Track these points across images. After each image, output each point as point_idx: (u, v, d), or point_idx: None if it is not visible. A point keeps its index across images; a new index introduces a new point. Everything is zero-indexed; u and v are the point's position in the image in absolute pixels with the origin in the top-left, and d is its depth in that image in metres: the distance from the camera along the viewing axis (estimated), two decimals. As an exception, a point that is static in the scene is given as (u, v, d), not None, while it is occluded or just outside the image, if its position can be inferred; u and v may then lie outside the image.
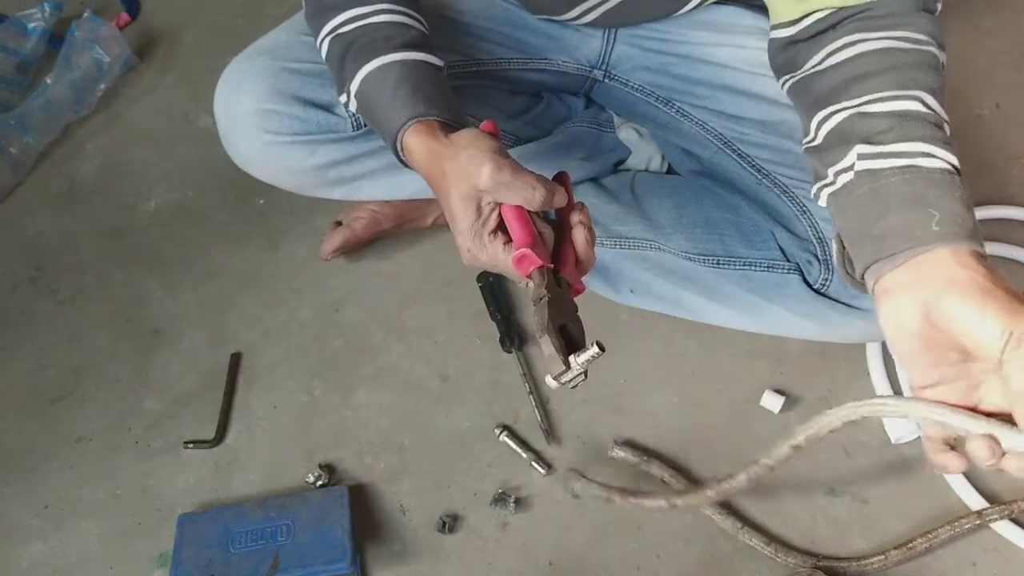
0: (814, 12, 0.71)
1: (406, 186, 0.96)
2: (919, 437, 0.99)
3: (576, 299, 0.74)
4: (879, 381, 1.02)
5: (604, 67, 1.00)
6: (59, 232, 1.22)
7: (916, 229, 0.57)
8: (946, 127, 0.64)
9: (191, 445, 1.03)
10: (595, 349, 0.66)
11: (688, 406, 1.03)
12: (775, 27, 0.75)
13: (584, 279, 1.05)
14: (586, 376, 0.67)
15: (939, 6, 0.71)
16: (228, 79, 0.89)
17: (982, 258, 0.56)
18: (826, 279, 0.85)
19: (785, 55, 0.75)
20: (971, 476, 0.96)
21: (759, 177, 0.93)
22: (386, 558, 0.95)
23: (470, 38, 0.95)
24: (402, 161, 0.76)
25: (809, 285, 0.88)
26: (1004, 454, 0.53)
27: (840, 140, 0.65)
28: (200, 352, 1.10)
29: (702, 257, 0.94)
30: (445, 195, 0.71)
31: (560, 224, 0.74)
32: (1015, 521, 0.93)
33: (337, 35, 0.77)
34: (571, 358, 0.66)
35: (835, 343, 0.99)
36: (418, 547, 0.93)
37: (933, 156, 0.61)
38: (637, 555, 0.93)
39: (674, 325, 1.03)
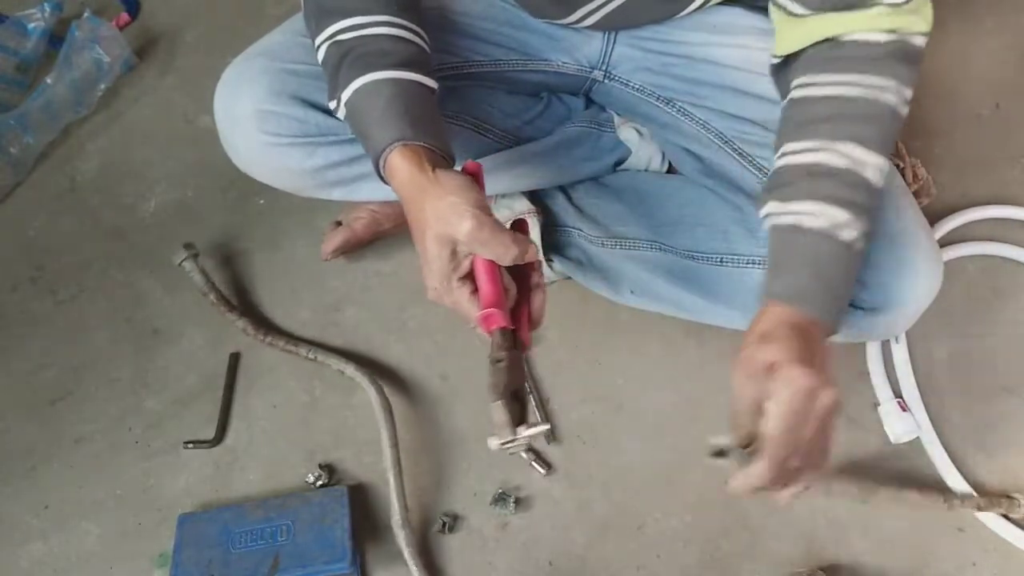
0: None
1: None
2: (918, 437, 0.99)
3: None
4: (879, 380, 1.02)
5: (604, 68, 1.00)
6: (59, 232, 1.22)
7: (768, 283, 0.73)
8: (855, 176, 0.72)
9: (191, 445, 1.03)
10: (544, 427, 0.72)
11: (688, 406, 1.03)
12: (774, 56, 0.81)
13: (584, 279, 1.06)
14: (529, 448, 0.71)
15: (921, 48, 0.75)
16: (228, 80, 0.89)
17: (798, 317, 0.70)
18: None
19: (776, 80, 0.82)
20: (963, 470, 0.97)
21: (760, 176, 0.93)
22: (386, 558, 0.94)
23: (470, 39, 0.95)
24: (381, 178, 0.77)
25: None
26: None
27: (768, 188, 0.76)
28: (200, 352, 1.10)
29: (704, 256, 0.94)
30: (420, 231, 0.72)
31: (517, 274, 0.76)
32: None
33: (335, 41, 0.77)
34: (519, 429, 0.71)
35: (835, 342, 0.98)
36: (418, 547, 0.93)
37: (816, 216, 0.71)
38: (637, 555, 0.93)
39: (674, 325, 1.03)
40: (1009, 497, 0.94)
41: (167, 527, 0.95)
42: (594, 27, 0.93)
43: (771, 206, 0.75)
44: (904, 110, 0.74)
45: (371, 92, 0.75)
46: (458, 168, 0.76)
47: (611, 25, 0.93)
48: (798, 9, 0.75)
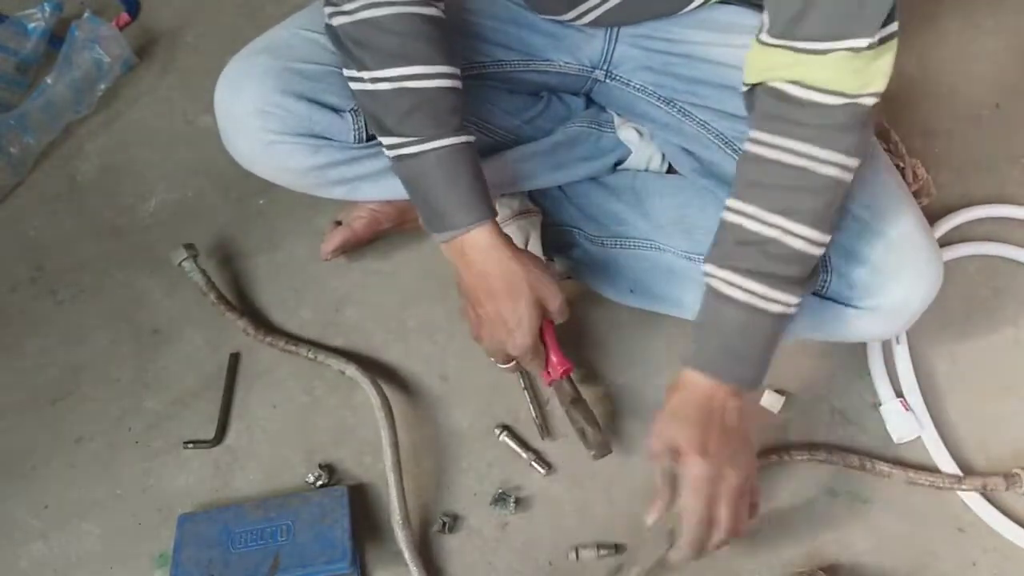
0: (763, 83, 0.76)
1: (405, 187, 0.96)
2: (920, 437, 0.99)
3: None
4: (880, 380, 1.02)
5: (606, 67, 1.00)
6: (59, 232, 1.22)
7: (689, 348, 0.80)
8: (781, 249, 0.75)
9: (191, 445, 1.03)
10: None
11: (688, 406, 1.03)
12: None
13: (584, 279, 1.07)
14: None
15: (871, 109, 0.74)
16: (229, 77, 0.89)
17: (708, 388, 0.77)
18: (825, 281, 0.85)
19: (745, 103, 0.82)
20: (964, 470, 0.97)
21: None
22: (386, 558, 0.94)
23: (472, 39, 0.95)
24: (432, 233, 0.86)
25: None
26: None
27: (712, 243, 0.80)
28: (200, 352, 1.10)
29: (703, 257, 0.95)
30: (506, 295, 0.85)
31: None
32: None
33: (404, 88, 0.80)
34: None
35: (835, 342, 0.99)
36: (418, 547, 0.92)
37: (736, 287, 0.76)
38: (637, 555, 0.93)
39: (674, 325, 1.03)
40: (1009, 475, 0.95)
41: (167, 527, 0.95)
42: (595, 23, 0.93)
43: (707, 267, 0.79)
44: (848, 177, 0.75)
45: (444, 161, 0.81)
46: None
47: (612, 21, 0.93)
48: (765, 36, 0.75)
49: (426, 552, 0.94)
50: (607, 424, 1.01)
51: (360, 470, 1.00)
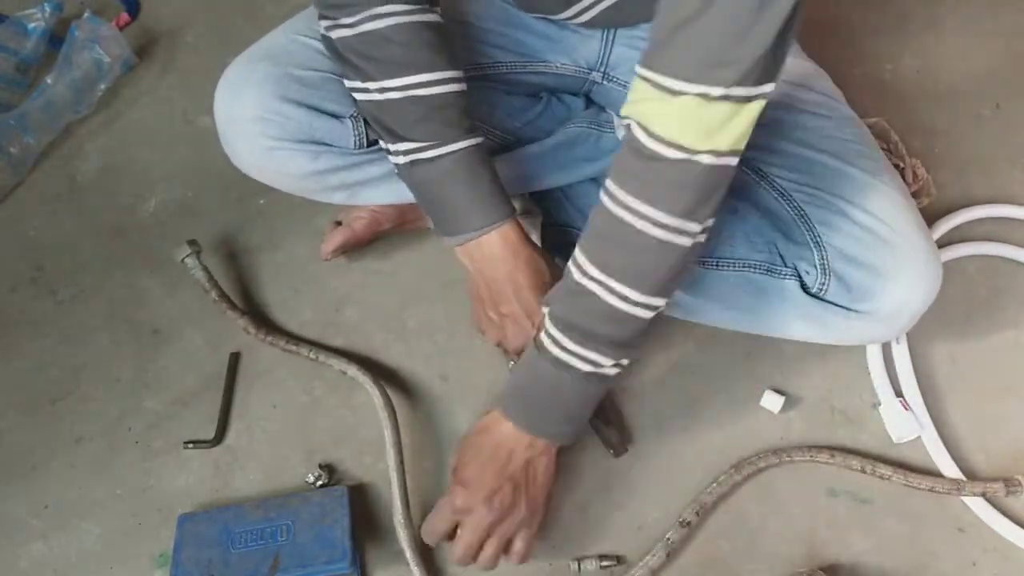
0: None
1: (407, 191, 0.96)
2: (919, 437, 0.99)
3: None
4: (880, 380, 1.02)
5: (603, 69, 1.00)
6: (59, 232, 1.22)
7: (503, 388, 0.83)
8: (613, 307, 0.73)
9: (191, 445, 1.03)
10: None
11: (688, 406, 1.03)
12: None
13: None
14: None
15: (711, 167, 0.67)
16: (229, 82, 0.89)
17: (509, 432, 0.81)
18: (823, 284, 0.85)
19: None
20: (964, 470, 0.97)
21: (757, 179, 0.93)
22: (386, 558, 0.94)
23: (469, 41, 0.95)
24: (446, 236, 0.87)
25: (807, 289, 0.88)
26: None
27: (554, 287, 0.79)
28: (200, 352, 1.10)
29: (702, 259, 0.95)
30: (535, 289, 0.86)
31: None
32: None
33: (414, 96, 0.80)
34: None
35: (836, 344, 0.99)
36: (419, 547, 0.92)
37: (552, 339, 0.76)
38: (637, 555, 0.93)
39: (674, 325, 1.03)
40: (1009, 480, 0.95)
41: (167, 527, 0.95)
42: (590, 24, 0.93)
43: (543, 309, 0.79)
44: (680, 240, 0.70)
45: (463, 163, 0.82)
46: None
47: (607, 22, 0.93)
48: (637, 67, 0.69)
49: (426, 552, 0.94)
50: (619, 424, 1.01)
51: (360, 470, 1.00)
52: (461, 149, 0.81)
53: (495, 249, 0.84)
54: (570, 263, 0.76)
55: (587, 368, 0.76)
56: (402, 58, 0.80)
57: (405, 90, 0.80)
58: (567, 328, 0.75)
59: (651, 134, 0.67)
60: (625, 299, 0.72)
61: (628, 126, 0.70)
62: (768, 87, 0.64)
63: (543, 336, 0.77)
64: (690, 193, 0.68)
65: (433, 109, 0.81)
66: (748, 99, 0.64)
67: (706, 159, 0.66)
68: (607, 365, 0.76)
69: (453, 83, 0.82)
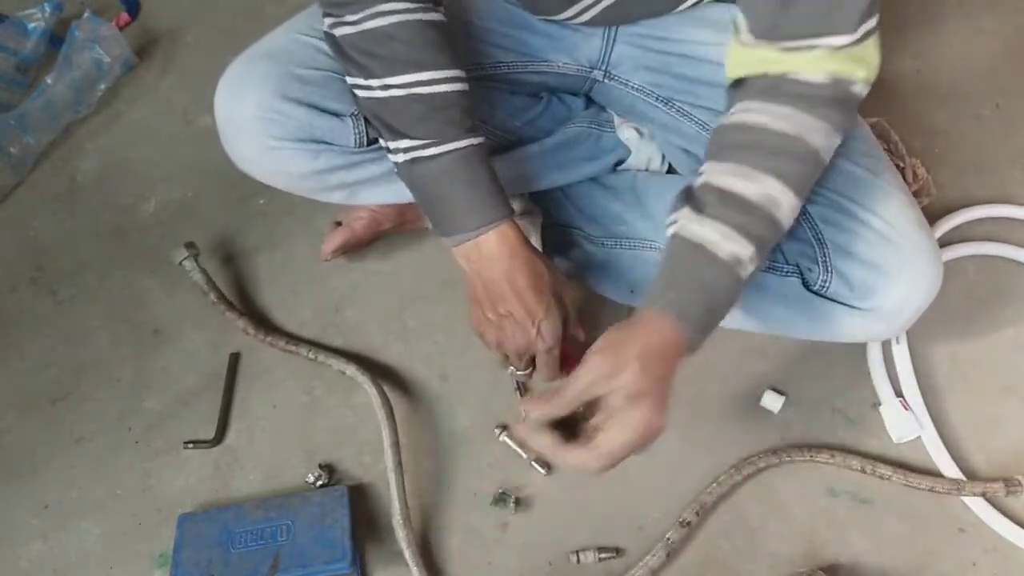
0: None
1: (406, 191, 0.96)
2: (919, 437, 0.99)
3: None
4: (880, 380, 1.02)
5: (604, 67, 1.00)
6: (59, 232, 1.22)
7: (657, 292, 0.74)
8: (768, 211, 0.73)
9: (191, 445, 1.03)
10: None
11: (688, 406, 1.03)
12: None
13: (585, 280, 1.07)
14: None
15: (858, 95, 0.74)
16: (230, 82, 0.89)
17: (674, 334, 0.74)
18: (825, 281, 0.85)
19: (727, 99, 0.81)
20: (964, 470, 0.97)
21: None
22: (386, 558, 0.94)
23: (471, 41, 0.95)
24: (443, 236, 0.86)
25: (809, 286, 0.88)
26: None
27: (683, 197, 0.77)
28: (200, 352, 1.10)
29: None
30: (534, 289, 0.85)
31: None
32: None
33: (416, 94, 0.80)
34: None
35: (836, 342, 0.99)
36: (418, 547, 0.93)
37: (722, 243, 0.72)
38: (637, 555, 0.93)
39: (674, 325, 1.03)
40: (1009, 480, 0.95)
41: (167, 527, 0.95)
42: (592, 23, 0.93)
43: (684, 213, 0.75)
44: (827, 156, 0.75)
45: (463, 162, 0.81)
46: None
47: (609, 20, 0.93)
48: (746, 38, 0.75)
49: (426, 552, 0.94)
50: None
51: (360, 470, 1.00)
52: (461, 148, 0.81)
53: (493, 249, 0.84)
54: (719, 178, 0.74)
55: (750, 270, 0.74)
56: (405, 56, 0.80)
57: (408, 87, 0.80)
58: (746, 234, 0.73)
59: (800, 71, 0.73)
60: (788, 206, 0.74)
61: (760, 76, 0.75)
62: (875, 18, 0.72)
63: (716, 246, 0.73)
64: (841, 111, 0.74)
65: (435, 107, 0.81)
66: (871, 32, 0.72)
67: (855, 87, 0.74)
68: (750, 272, 0.74)
69: (456, 82, 0.82)
